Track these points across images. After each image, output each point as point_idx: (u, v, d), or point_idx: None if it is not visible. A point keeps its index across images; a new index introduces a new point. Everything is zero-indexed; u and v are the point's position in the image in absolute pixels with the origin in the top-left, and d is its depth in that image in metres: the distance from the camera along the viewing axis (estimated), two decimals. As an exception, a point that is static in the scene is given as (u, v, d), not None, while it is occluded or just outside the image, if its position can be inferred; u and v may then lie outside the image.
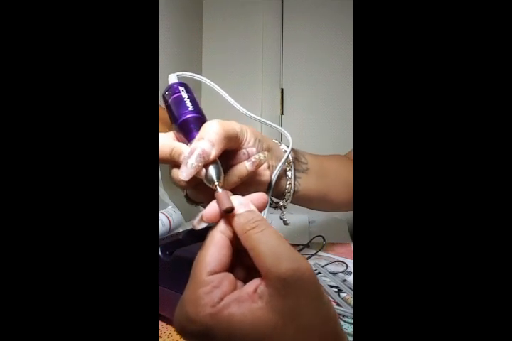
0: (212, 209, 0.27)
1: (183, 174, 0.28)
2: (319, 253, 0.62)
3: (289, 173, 0.44)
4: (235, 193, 0.28)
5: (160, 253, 0.41)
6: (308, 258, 0.61)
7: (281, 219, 0.45)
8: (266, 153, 0.34)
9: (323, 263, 0.57)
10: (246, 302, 0.23)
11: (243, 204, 0.26)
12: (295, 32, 1.42)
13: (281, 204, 0.45)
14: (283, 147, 0.43)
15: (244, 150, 0.33)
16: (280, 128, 0.42)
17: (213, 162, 0.29)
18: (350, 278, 0.53)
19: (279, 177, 0.42)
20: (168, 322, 0.42)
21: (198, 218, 0.27)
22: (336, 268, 0.56)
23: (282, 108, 1.44)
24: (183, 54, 1.29)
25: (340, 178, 0.51)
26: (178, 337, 0.40)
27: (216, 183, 0.27)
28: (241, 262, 0.27)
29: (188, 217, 0.87)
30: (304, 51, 1.41)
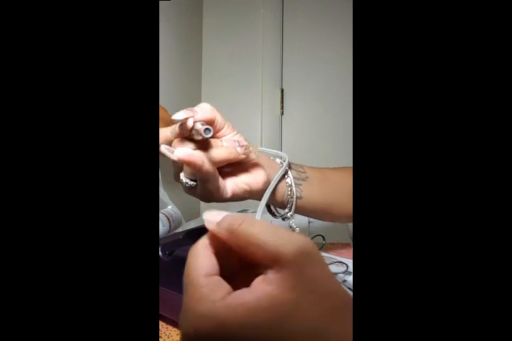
0: (184, 149, 0.33)
1: (178, 116, 0.33)
2: (319, 253, 0.62)
3: (288, 180, 0.44)
4: (229, 174, 0.36)
5: (160, 253, 0.41)
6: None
7: (291, 227, 0.45)
8: (254, 145, 0.38)
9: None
10: (258, 289, 0.22)
11: (219, 214, 0.25)
12: (295, 32, 1.42)
13: (287, 211, 0.45)
14: (278, 161, 0.45)
15: (234, 139, 0.38)
16: (279, 152, 0.45)
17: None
18: (350, 279, 0.53)
19: (277, 188, 0.42)
20: (168, 322, 0.42)
21: (169, 149, 0.33)
22: (336, 269, 0.56)
23: (282, 108, 1.44)
24: (183, 54, 1.29)
25: (344, 187, 0.50)
26: (178, 337, 0.40)
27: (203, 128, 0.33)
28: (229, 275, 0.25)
29: (188, 217, 0.87)
30: (304, 51, 1.41)
